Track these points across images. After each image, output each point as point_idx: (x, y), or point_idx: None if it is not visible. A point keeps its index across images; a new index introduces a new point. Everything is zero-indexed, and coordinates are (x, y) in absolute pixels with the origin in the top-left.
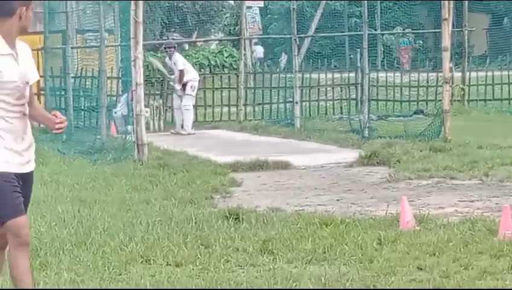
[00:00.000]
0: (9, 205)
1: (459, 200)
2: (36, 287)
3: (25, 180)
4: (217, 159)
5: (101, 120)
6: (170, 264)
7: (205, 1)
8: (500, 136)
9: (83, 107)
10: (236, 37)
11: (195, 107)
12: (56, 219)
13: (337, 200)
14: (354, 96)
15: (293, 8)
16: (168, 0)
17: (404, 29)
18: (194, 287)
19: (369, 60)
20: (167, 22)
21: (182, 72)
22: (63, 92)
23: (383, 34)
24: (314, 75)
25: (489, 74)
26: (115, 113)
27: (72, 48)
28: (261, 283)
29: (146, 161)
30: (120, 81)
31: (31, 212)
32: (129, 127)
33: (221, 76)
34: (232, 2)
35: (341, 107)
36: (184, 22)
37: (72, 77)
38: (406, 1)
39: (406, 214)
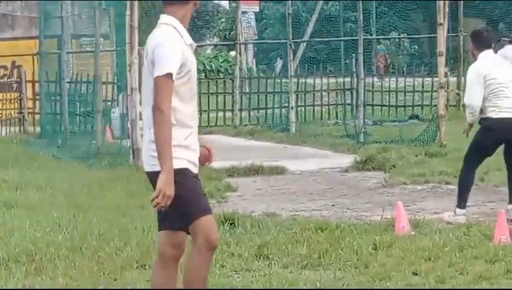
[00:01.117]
0: (200, 202)
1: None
2: None
3: None
4: (213, 164)
5: (97, 125)
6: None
7: (200, 6)
8: None
9: (78, 112)
10: (232, 42)
11: None
12: (51, 224)
13: (333, 205)
14: (349, 101)
15: (289, 13)
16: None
17: (399, 34)
18: None
19: (364, 65)
20: None
21: None
22: (58, 97)
23: (378, 39)
24: (310, 80)
25: None
26: (113, 113)
27: (67, 53)
28: (257, 287)
29: (141, 166)
30: (115, 86)
31: (26, 217)
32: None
33: (216, 81)
34: (227, 6)
35: (336, 112)
36: None
37: (67, 82)
38: (401, 6)
39: (401, 219)
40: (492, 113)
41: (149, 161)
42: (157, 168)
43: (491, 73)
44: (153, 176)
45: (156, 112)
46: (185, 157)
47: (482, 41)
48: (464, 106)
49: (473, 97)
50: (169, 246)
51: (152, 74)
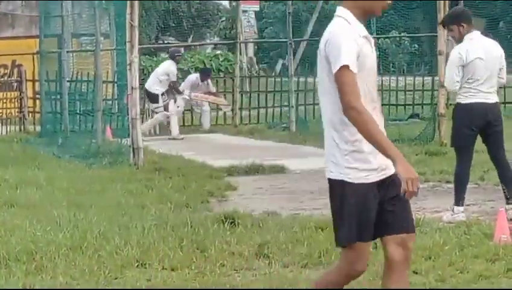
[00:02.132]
0: (351, 226)
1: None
2: None
3: (388, 186)
4: (213, 163)
5: (97, 124)
6: (166, 268)
7: (201, 5)
8: None
9: (78, 111)
10: (232, 41)
11: (191, 110)
12: (51, 223)
13: None
14: None
15: (289, 12)
16: (164, 0)
17: (399, 33)
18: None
19: None
20: (163, 26)
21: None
22: (58, 96)
23: (378, 38)
24: (310, 79)
25: None
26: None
27: (67, 51)
28: (257, 287)
29: (142, 165)
30: (116, 85)
31: (26, 216)
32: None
33: (216, 80)
34: (227, 5)
35: None
36: (180, 26)
37: (67, 81)
38: (401, 5)
39: None
40: (461, 99)
41: (328, 166)
42: (332, 175)
43: (474, 60)
44: (328, 182)
45: (350, 113)
46: (364, 167)
47: (470, 19)
48: None
49: (448, 80)
50: (353, 261)
51: (325, 71)
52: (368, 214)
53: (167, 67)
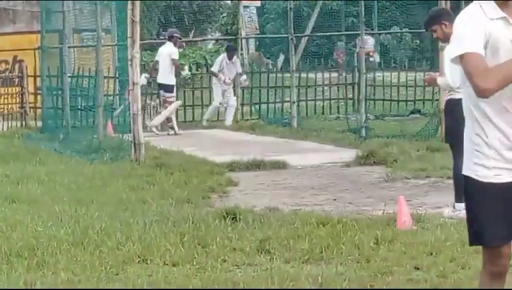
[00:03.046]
0: (487, 227)
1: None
2: None
3: None
4: (214, 158)
5: (98, 119)
6: (167, 264)
7: (202, 0)
8: None
9: (80, 107)
10: (233, 37)
11: (192, 106)
12: (53, 219)
13: (334, 199)
14: (351, 95)
15: (290, 8)
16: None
17: (401, 29)
18: (191, 287)
19: (366, 59)
20: (164, 22)
21: None
22: (59, 92)
23: (380, 34)
24: (311, 75)
25: None
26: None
27: (69, 47)
28: (258, 282)
29: (143, 161)
30: (117, 80)
31: (27, 211)
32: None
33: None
34: (228, 1)
35: (338, 107)
36: (181, 21)
37: (69, 77)
38: (403, 1)
39: (403, 214)
40: (453, 95)
41: (464, 161)
42: (464, 171)
43: None
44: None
45: (484, 95)
46: (494, 165)
47: (451, 16)
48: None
49: (454, 78)
50: (487, 260)
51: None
52: (495, 216)
53: (169, 49)
